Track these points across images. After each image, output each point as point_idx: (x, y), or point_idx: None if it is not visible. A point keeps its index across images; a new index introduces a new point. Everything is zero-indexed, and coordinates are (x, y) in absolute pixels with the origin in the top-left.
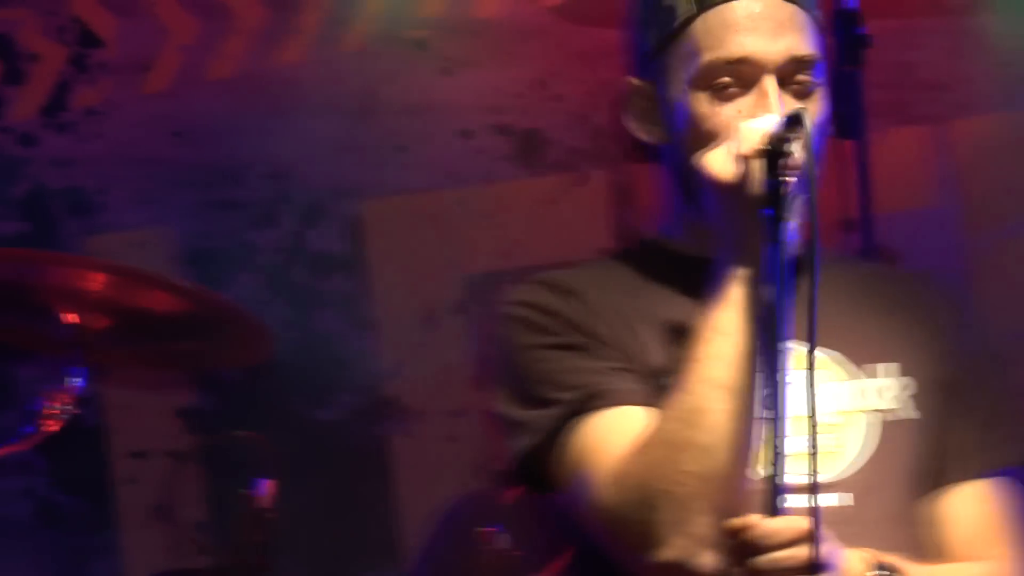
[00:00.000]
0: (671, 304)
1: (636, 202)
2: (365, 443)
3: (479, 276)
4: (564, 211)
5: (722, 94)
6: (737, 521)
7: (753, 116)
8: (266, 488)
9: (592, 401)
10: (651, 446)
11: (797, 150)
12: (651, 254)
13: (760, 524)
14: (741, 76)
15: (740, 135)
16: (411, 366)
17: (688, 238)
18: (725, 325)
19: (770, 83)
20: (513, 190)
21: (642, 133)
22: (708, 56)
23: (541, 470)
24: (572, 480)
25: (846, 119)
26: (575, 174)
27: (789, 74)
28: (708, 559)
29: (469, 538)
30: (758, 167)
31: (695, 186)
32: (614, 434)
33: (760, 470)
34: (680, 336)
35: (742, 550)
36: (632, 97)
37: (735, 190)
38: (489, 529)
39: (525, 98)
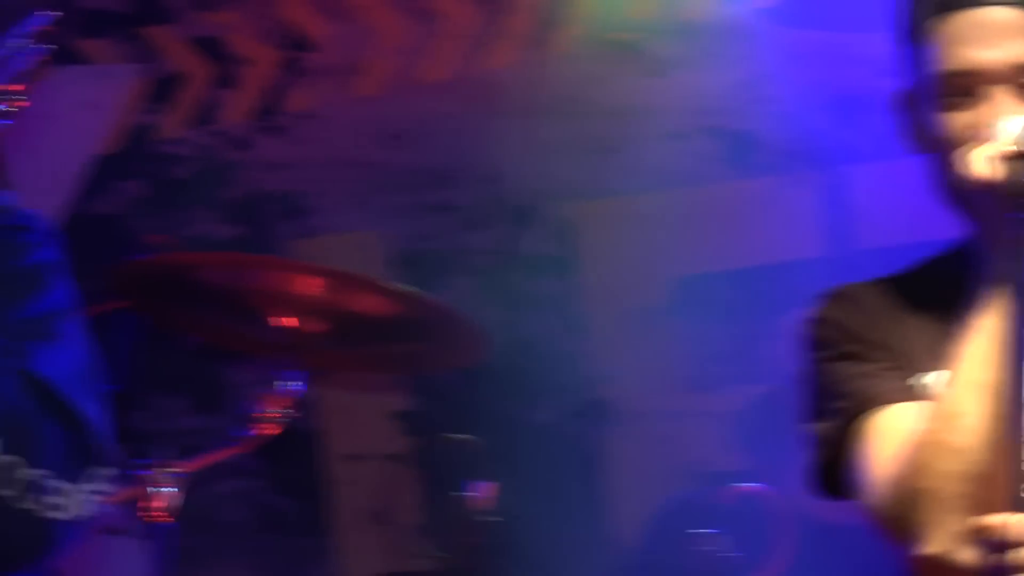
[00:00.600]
0: (943, 308)
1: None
2: (579, 445)
3: (690, 278)
4: (774, 214)
5: (956, 103)
6: (994, 519)
7: (990, 124)
8: (481, 490)
9: (865, 405)
10: (913, 446)
11: None
12: (934, 261)
13: (1017, 522)
14: (971, 87)
15: (996, 136)
16: (623, 368)
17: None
18: (984, 325)
19: (1005, 91)
20: (724, 192)
21: (907, 141)
22: (941, 67)
23: (834, 480)
24: (856, 484)
25: None
26: (785, 176)
27: (1015, 80)
28: (968, 555)
29: (683, 540)
30: (1017, 167)
31: (952, 192)
32: (885, 435)
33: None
34: (947, 337)
35: (999, 547)
36: (894, 105)
37: (995, 190)
38: (704, 531)
39: (736, 100)
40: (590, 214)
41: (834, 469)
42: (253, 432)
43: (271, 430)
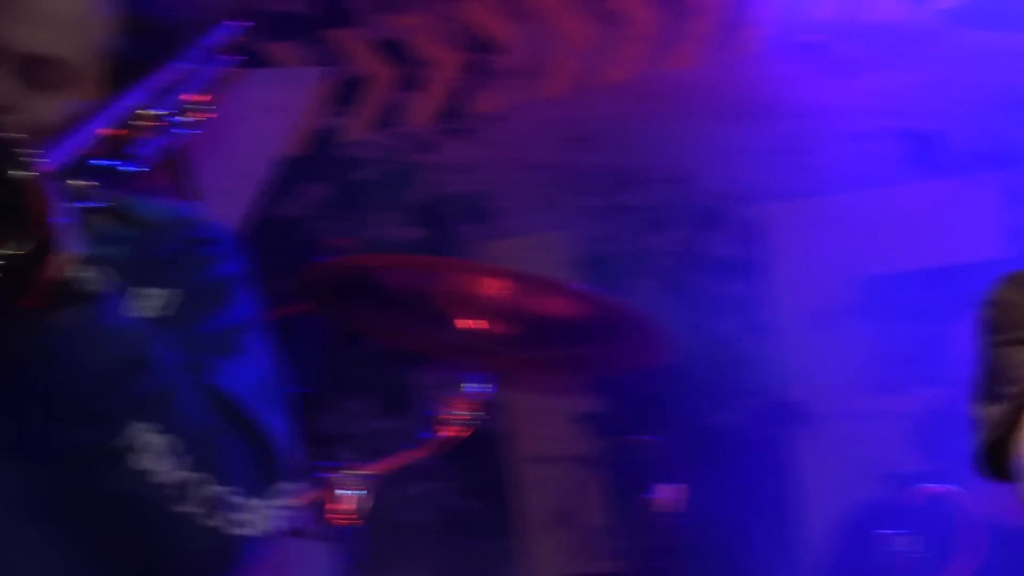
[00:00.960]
0: None
1: None
2: (765, 447)
3: (876, 279)
4: (960, 214)
5: None
6: None
7: None
8: (667, 492)
9: None
10: None
11: None
12: None
13: None
14: None
15: None
16: (810, 369)
17: None
18: None
19: None
20: (910, 193)
21: None
22: None
23: (999, 464)
24: (1020, 470)
25: None
26: (971, 177)
27: None
28: None
29: (871, 541)
30: None
31: None
32: None
33: None
34: None
35: None
36: None
37: None
38: (892, 532)
39: (922, 101)
40: (777, 215)
41: (1000, 452)
42: (439, 434)
43: (457, 432)
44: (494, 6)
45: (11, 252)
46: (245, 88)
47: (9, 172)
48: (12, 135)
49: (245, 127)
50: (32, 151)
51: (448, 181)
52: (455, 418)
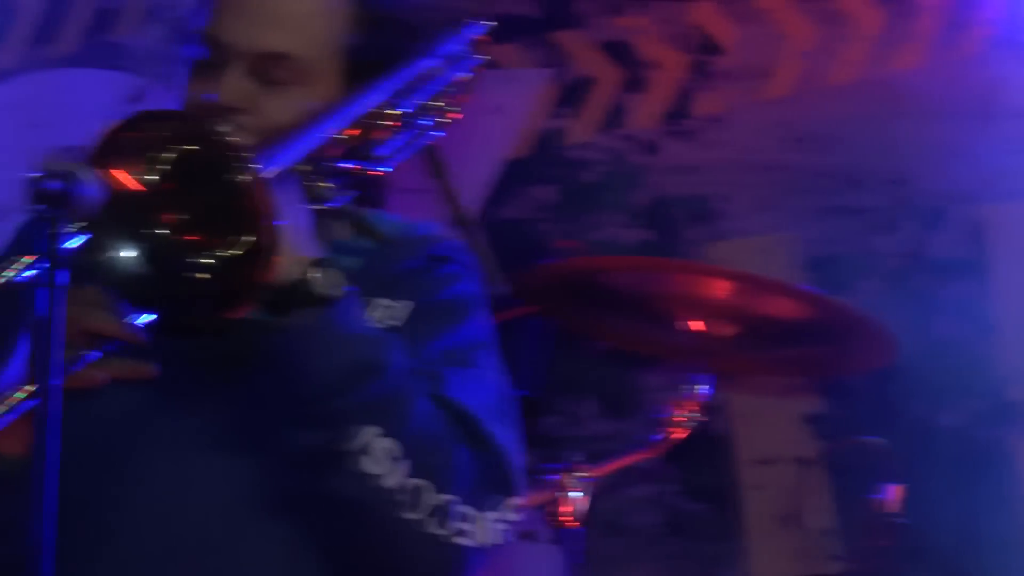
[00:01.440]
0: None
1: None
2: (989, 448)
3: None
4: None
5: None
6: None
7: None
8: (891, 493)
9: None
10: None
11: None
12: None
13: None
14: None
15: None
16: None
17: None
18: None
19: None
20: None
21: None
22: None
23: None
24: None
25: None
26: None
27: None
28: None
29: None
30: None
31: None
32: None
33: None
34: None
35: None
36: None
37: None
38: None
39: None
40: (1000, 216)
41: None
42: (662, 436)
43: (680, 434)
44: (718, 7)
45: (232, 252)
46: (473, 90)
47: (232, 175)
48: (236, 138)
49: (470, 129)
50: (257, 152)
51: (671, 183)
52: (679, 420)
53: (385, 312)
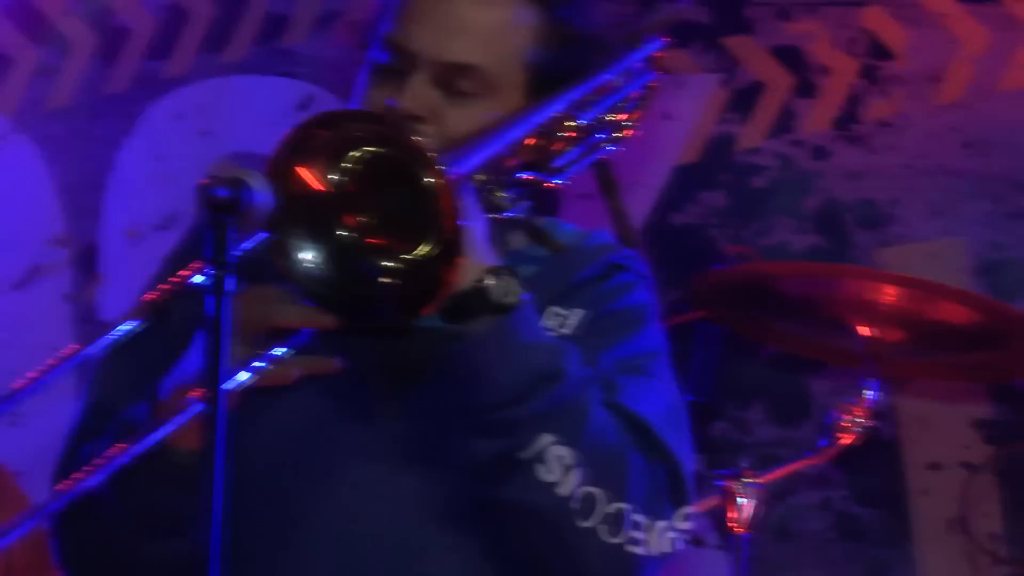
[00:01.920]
0: None
1: None
2: None
3: None
4: None
5: None
6: None
7: None
8: None
9: None
10: None
11: None
12: None
13: None
14: None
15: None
16: None
17: None
18: None
19: None
20: None
21: None
22: None
23: None
24: None
25: None
26: None
27: None
28: None
29: None
30: None
31: None
32: None
33: None
34: None
35: None
36: None
37: None
38: None
39: None
40: None
41: None
42: (830, 442)
43: (848, 439)
44: (888, 12)
45: (418, 255)
46: None
47: (422, 178)
48: (426, 143)
49: (641, 136)
50: (445, 159)
51: (841, 188)
52: (847, 425)
53: (558, 321)
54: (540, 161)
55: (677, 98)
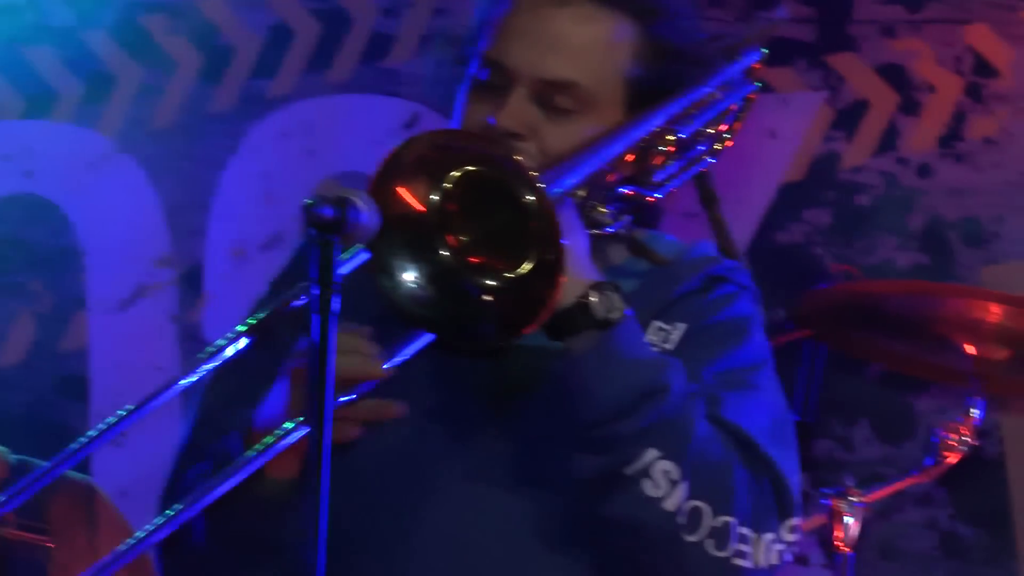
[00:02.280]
0: None
1: None
2: None
3: None
4: None
5: None
6: None
7: None
8: None
9: None
10: None
11: None
12: None
13: None
14: None
15: None
16: None
17: None
18: None
19: None
20: None
21: None
22: None
23: None
24: None
25: None
26: None
27: None
28: None
29: None
30: None
31: None
32: None
33: None
34: None
35: None
36: None
37: None
38: None
39: None
40: None
41: None
42: (935, 460)
43: (953, 458)
44: (992, 29)
45: (520, 274)
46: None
47: (523, 197)
48: (526, 161)
49: (745, 153)
50: (546, 177)
51: (945, 205)
52: (955, 444)
53: (661, 336)
54: (640, 175)
55: (782, 116)
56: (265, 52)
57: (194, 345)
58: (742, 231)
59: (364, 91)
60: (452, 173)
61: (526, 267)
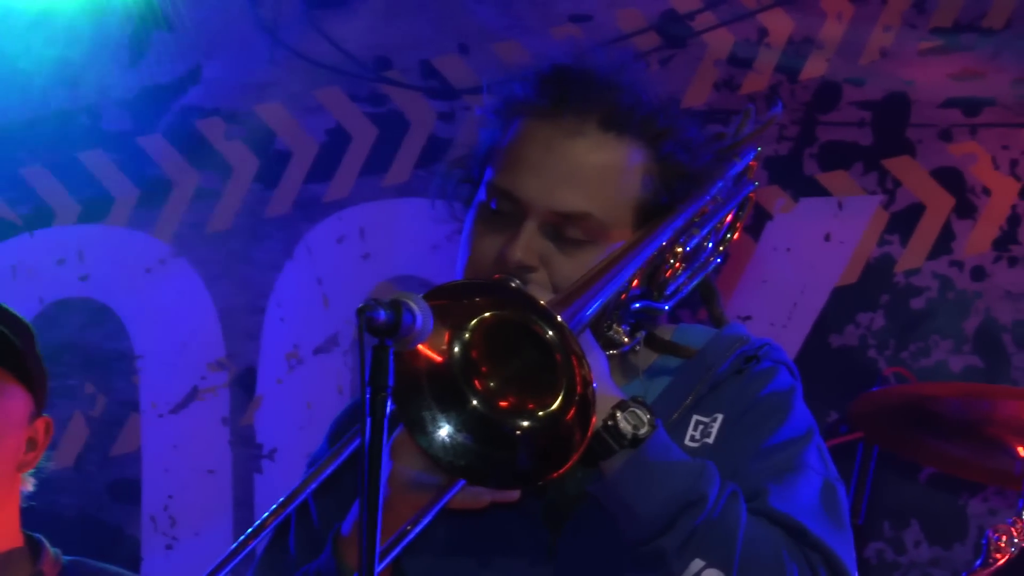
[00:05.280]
0: None
1: None
2: None
3: None
4: None
5: None
6: None
7: None
8: None
9: None
10: None
11: None
12: None
13: None
14: None
15: None
16: None
17: None
18: None
19: None
20: None
21: None
22: None
23: None
24: None
25: None
26: None
27: None
28: None
29: None
30: None
31: None
32: None
33: None
34: None
35: None
36: None
37: None
38: None
39: None
40: None
41: None
42: (987, 562)
43: (1004, 559)
44: None
45: (552, 411)
46: (802, 217)
47: (544, 333)
48: (539, 296)
49: (800, 256)
50: (564, 311)
51: (1000, 308)
52: (1004, 545)
53: (702, 430)
54: (652, 289)
55: (837, 220)
56: (321, 156)
57: (246, 449)
58: (796, 334)
59: (421, 195)
60: (471, 321)
61: (556, 403)
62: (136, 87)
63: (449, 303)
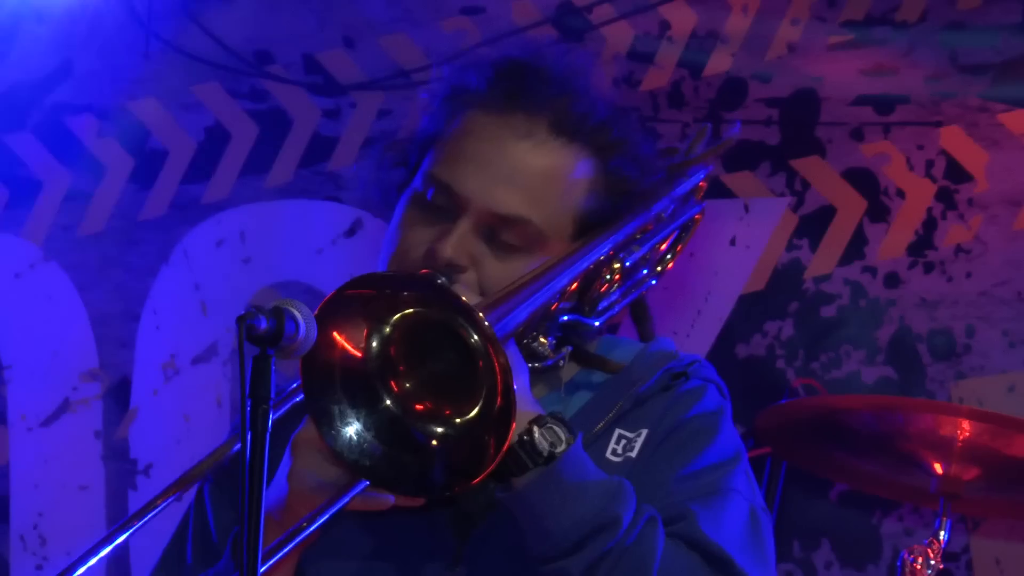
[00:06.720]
0: None
1: None
2: None
3: None
4: None
5: None
6: None
7: None
8: None
9: None
10: None
11: None
12: None
13: None
14: None
15: None
16: None
17: None
18: None
19: None
20: None
21: None
22: None
23: None
24: None
25: None
26: None
27: None
28: None
29: None
30: None
31: None
32: None
33: None
34: None
35: None
36: None
37: None
38: None
39: None
40: None
41: None
42: None
43: None
44: (966, 132)
45: (469, 419)
46: (707, 220)
47: (469, 338)
48: (468, 300)
49: (704, 262)
50: (491, 315)
51: (915, 317)
52: (920, 567)
53: (622, 443)
54: (583, 304)
55: (743, 223)
56: (199, 155)
57: (120, 464)
58: (700, 344)
59: (304, 196)
60: (392, 316)
61: (474, 412)
62: (2, 83)
63: (371, 294)
